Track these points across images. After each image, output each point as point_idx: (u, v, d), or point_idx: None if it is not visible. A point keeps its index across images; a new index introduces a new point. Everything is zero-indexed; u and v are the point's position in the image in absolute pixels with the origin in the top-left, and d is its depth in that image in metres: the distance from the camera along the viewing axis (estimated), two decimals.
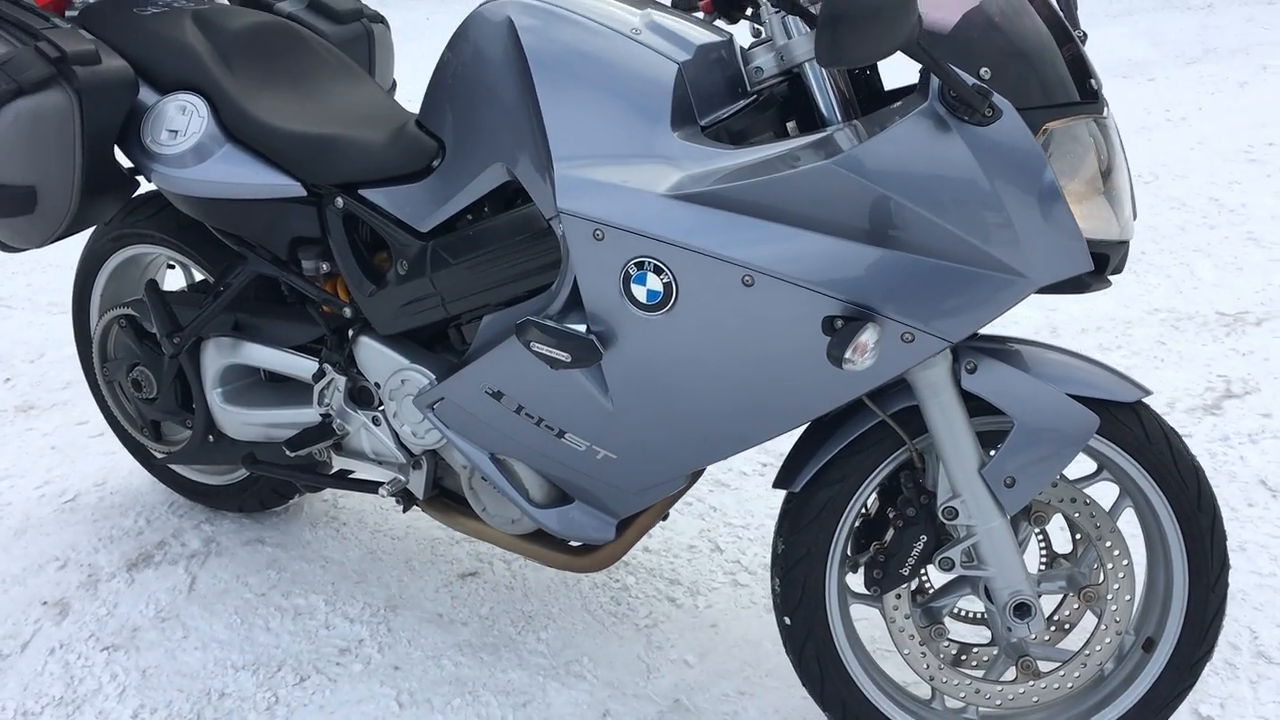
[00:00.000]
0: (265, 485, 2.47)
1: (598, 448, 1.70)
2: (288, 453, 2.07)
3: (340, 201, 1.90)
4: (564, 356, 1.57)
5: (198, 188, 1.96)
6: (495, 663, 2.11)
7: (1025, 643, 1.73)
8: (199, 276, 2.40)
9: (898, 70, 1.51)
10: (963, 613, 1.94)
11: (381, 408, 2.01)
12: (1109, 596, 1.68)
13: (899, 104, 1.42)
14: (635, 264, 1.50)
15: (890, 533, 1.68)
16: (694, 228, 1.45)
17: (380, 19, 2.45)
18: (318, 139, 1.89)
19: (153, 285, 2.19)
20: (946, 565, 1.63)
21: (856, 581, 1.90)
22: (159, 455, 2.45)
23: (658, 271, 1.49)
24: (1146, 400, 1.56)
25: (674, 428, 1.62)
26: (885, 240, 1.37)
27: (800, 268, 1.42)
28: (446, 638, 2.17)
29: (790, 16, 1.51)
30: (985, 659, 1.83)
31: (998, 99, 1.32)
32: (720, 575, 2.33)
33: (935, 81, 1.33)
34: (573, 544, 1.91)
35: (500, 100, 1.64)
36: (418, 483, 2.04)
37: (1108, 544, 1.67)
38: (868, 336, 1.37)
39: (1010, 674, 1.76)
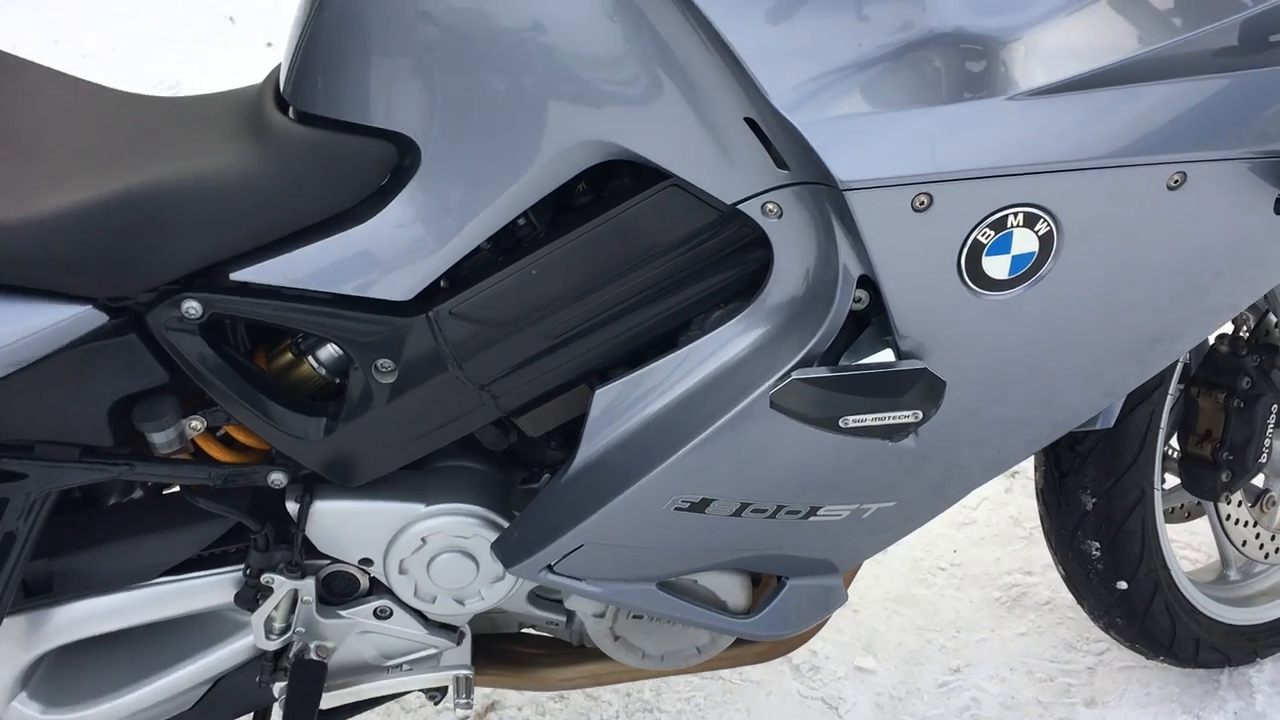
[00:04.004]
0: None
1: (870, 504, 1.09)
2: None
3: (194, 308, 1.00)
4: (910, 417, 0.92)
5: None
6: None
7: None
8: None
9: None
10: None
11: (372, 596, 1.21)
12: None
13: None
14: (992, 225, 0.87)
15: (1217, 419, 1.27)
16: (1087, 132, 0.86)
17: None
18: (129, 202, 0.96)
19: None
20: None
21: None
22: None
23: (1030, 223, 0.88)
24: None
25: (1009, 428, 1.06)
26: None
27: (1247, 134, 0.89)
28: None
29: None
30: None
31: None
32: None
33: None
34: None
35: (575, 34, 0.88)
36: (463, 657, 1.29)
37: None
38: None
39: None
